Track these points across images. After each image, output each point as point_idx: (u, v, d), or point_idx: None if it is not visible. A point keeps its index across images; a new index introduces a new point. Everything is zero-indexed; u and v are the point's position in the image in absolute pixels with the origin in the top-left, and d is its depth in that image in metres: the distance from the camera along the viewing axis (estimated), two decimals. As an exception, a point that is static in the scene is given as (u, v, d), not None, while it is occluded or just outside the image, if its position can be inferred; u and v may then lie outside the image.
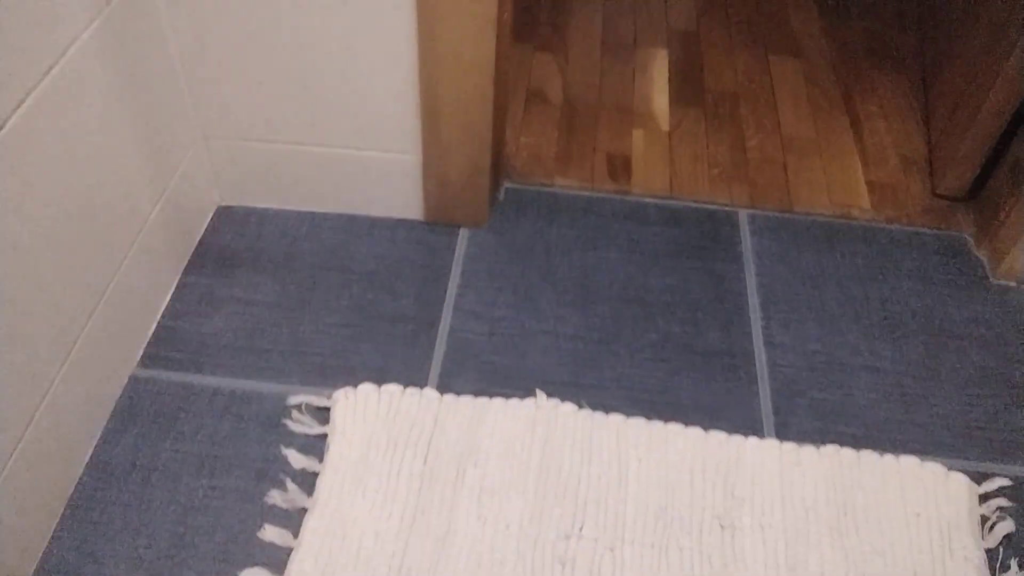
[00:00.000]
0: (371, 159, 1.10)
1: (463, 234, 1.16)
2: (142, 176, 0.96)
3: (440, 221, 1.17)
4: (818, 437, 0.95)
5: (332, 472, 0.88)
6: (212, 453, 0.90)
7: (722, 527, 0.86)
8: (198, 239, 1.13)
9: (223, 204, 1.18)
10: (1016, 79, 1.13)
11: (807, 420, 0.97)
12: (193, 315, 1.04)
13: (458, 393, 0.96)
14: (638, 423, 0.94)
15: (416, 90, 1.01)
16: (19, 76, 0.72)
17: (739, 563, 0.84)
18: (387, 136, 1.07)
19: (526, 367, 1.00)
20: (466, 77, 0.99)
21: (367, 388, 0.96)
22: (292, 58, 1.00)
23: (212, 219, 1.16)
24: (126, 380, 0.96)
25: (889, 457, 0.93)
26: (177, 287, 1.07)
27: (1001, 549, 0.87)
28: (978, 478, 0.92)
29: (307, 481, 0.88)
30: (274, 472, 0.89)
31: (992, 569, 0.86)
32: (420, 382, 0.98)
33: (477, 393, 0.96)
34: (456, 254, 1.13)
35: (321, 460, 0.90)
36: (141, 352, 0.99)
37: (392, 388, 0.96)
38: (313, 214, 1.17)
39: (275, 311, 1.05)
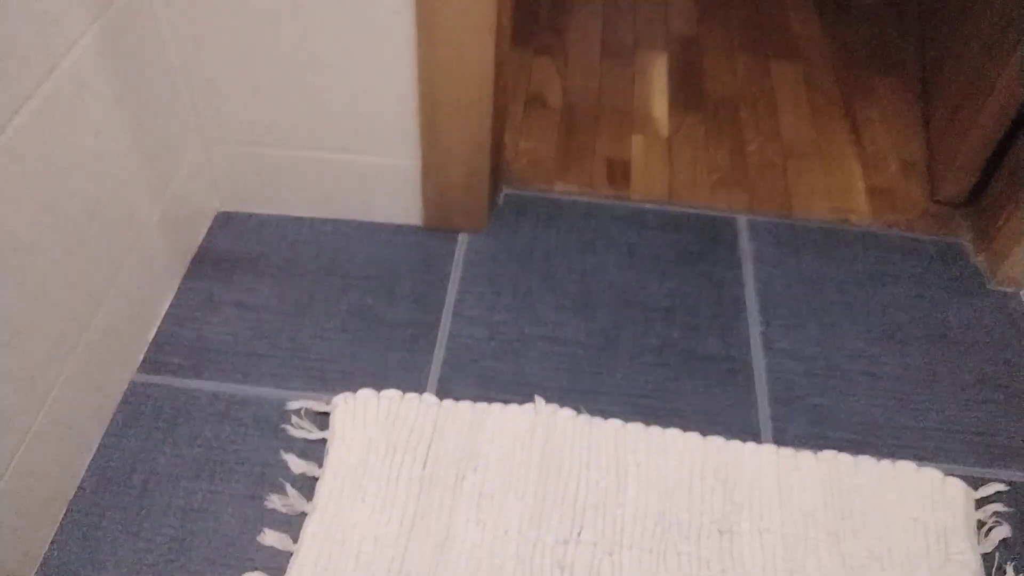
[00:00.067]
0: (370, 164, 1.11)
1: (462, 239, 1.17)
2: (142, 181, 0.96)
3: (439, 226, 1.17)
4: (816, 442, 0.96)
5: (331, 477, 0.88)
6: (212, 458, 0.91)
7: (720, 532, 0.86)
8: (198, 244, 1.13)
9: (223, 209, 1.18)
10: (1015, 85, 1.13)
11: (805, 425, 0.97)
12: (193, 320, 1.04)
13: (457, 398, 0.96)
14: (637, 428, 0.94)
15: (415, 96, 1.02)
16: (18, 81, 0.72)
17: (737, 568, 0.84)
18: (386, 141, 1.08)
19: (525, 372, 1.01)
20: (465, 83, 0.99)
21: (366, 393, 0.96)
22: (292, 64, 1.00)
23: (212, 224, 1.16)
24: (126, 385, 0.97)
25: (886, 462, 0.93)
26: (177, 292, 1.07)
27: (997, 554, 0.87)
28: (975, 483, 0.92)
29: (307, 486, 0.89)
30: (274, 477, 0.90)
31: (988, 574, 0.86)
32: (419, 387, 0.98)
33: (476, 398, 0.96)
34: (455, 259, 1.14)
35: (321, 465, 0.90)
36: (141, 357, 1.00)
37: (391, 393, 0.96)
38: (313, 219, 1.18)
39: (275, 316, 1.05)
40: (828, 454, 0.93)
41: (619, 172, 1.30)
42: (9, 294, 0.74)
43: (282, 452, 0.91)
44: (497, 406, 0.95)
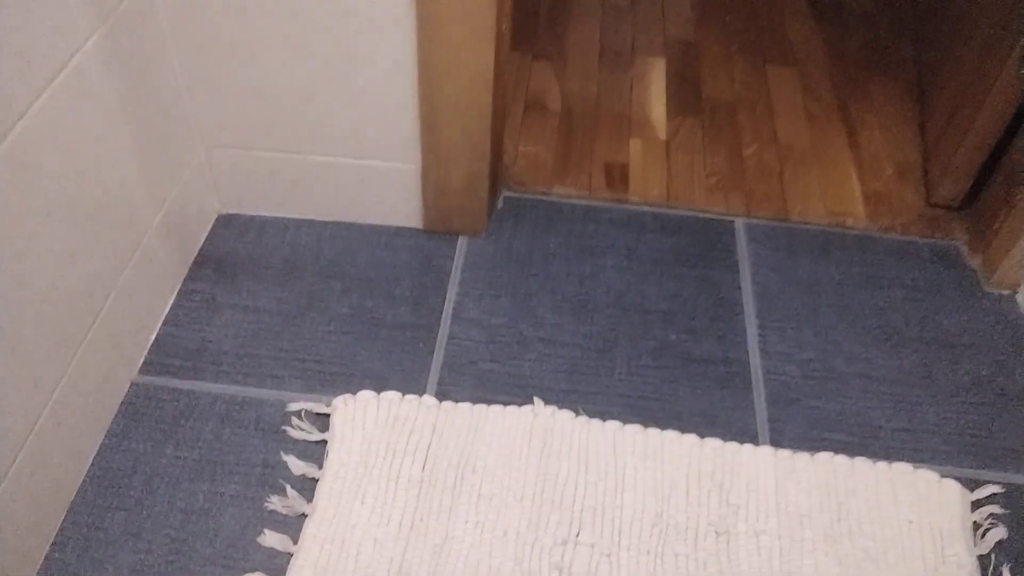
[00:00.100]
0: (371, 168, 1.11)
1: (462, 242, 1.17)
2: (144, 184, 0.97)
3: (439, 229, 1.18)
4: (812, 444, 0.96)
5: (331, 478, 0.89)
6: (213, 459, 0.91)
7: (717, 534, 0.87)
8: (199, 247, 1.14)
9: (224, 212, 1.19)
10: (1011, 89, 1.14)
11: (802, 427, 0.98)
12: (194, 322, 1.05)
13: (456, 400, 0.97)
14: (635, 430, 0.95)
15: (415, 100, 1.02)
16: (23, 86, 0.73)
17: (734, 569, 0.85)
18: (387, 145, 1.08)
19: (524, 374, 1.01)
20: (465, 87, 1.00)
21: (366, 395, 0.97)
22: (293, 68, 1.01)
23: (213, 227, 1.17)
24: (127, 386, 0.97)
25: (883, 464, 0.94)
26: (178, 294, 1.08)
27: (993, 556, 0.88)
28: (970, 485, 0.93)
29: (307, 487, 0.89)
30: (274, 478, 0.90)
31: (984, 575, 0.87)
32: (419, 389, 0.99)
33: (475, 400, 0.97)
34: (455, 262, 1.14)
35: (321, 466, 0.91)
36: (142, 359, 1.00)
37: (391, 395, 0.97)
38: (313, 222, 1.18)
39: (275, 318, 1.06)
40: (825, 456, 0.94)
41: (617, 175, 1.31)
42: (12, 296, 0.74)
43: (282, 453, 0.92)
44: (496, 408, 0.96)
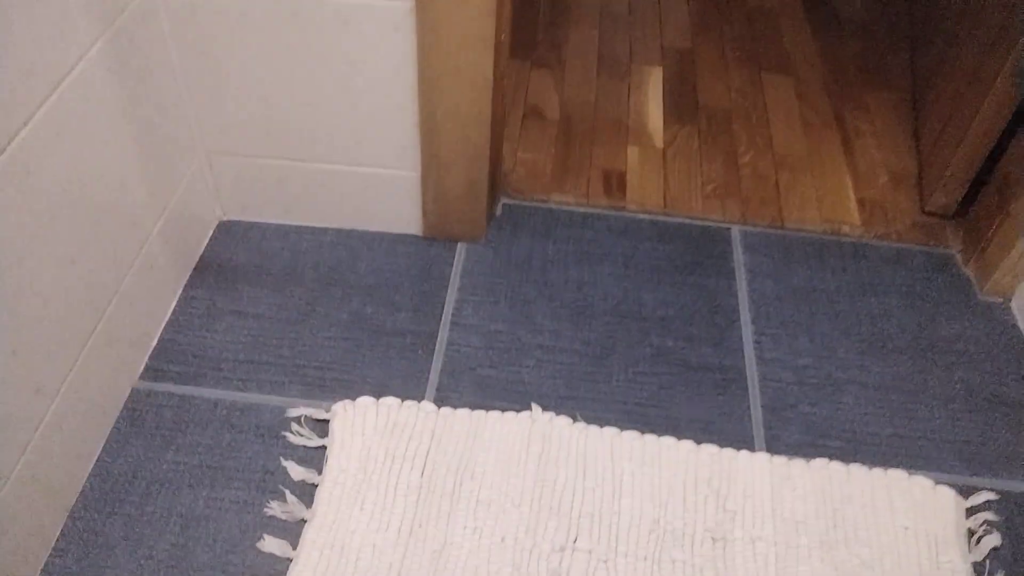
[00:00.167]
0: (371, 175, 1.12)
1: (461, 249, 1.18)
2: (145, 191, 0.97)
3: (438, 236, 1.19)
4: (808, 451, 0.97)
5: (331, 484, 0.89)
6: (212, 465, 0.92)
7: (714, 540, 0.88)
8: (200, 253, 1.15)
9: (225, 219, 1.20)
10: (1004, 99, 1.15)
11: (797, 434, 0.99)
12: (195, 328, 1.05)
13: (455, 406, 0.97)
14: (632, 436, 0.96)
15: (415, 108, 1.03)
16: (27, 93, 0.74)
17: (731, 575, 0.85)
18: (387, 153, 1.09)
19: (522, 380, 1.02)
20: (464, 95, 1.01)
21: (366, 401, 0.97)
22: (294, 76, 1.01)
23: (214, 233, 1.18)
24: (128, 392, 0.98)
25: (878, 471, 0.94)
26: (179, 301, 1.08)
27: (987, 562, 0.89)
28: (965, 492, 0.94)
29: (306, 493, 0.90)
30: (274, 484, 0.91)
31: (978, 582, 0.87)
32: (418, 395, 0.99)
33: (474, 406, 0.98)
34: (454, 269, 1.15)
35: (320, 472, 0.91)
36: (143, 365, 1.01)
37: (390, 401, 0.97)
38: (313, 229, 1.19)
39: (275, 325, 1.06)
40: (820, 463, 0.95)
41: (615, 183, 1.32)
42: (13, 301, 0.75)
43: (282, 459, 0.92)
44: (494, 414, 0.96)
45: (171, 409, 0.96)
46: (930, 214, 1.29)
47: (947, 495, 0.93)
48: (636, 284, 1.15)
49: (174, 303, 1.08)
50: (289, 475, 0.91)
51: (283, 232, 1.18)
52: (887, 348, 1.09)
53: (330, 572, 0.83)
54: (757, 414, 1.01)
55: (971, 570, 0.88)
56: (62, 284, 0.82)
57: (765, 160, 1.38)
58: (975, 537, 0.90)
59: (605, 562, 0.85)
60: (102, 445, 0.93)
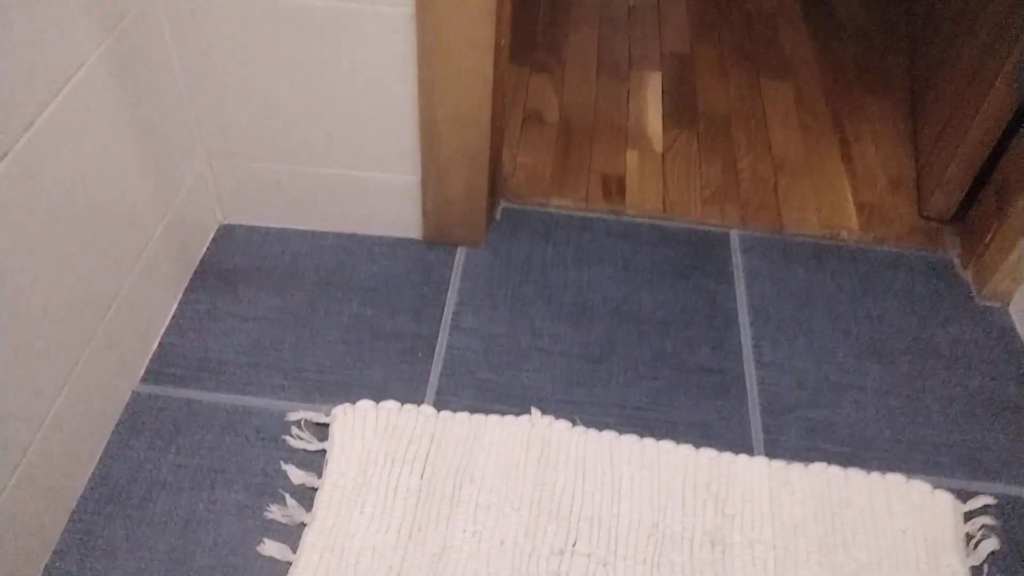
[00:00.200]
0: (371, 179, 1.12)
1: (460, 253, 1.18)
2: (146, 195, 0.98)
3: (438, 240, 1.19)
4: (807, 455, 0.97)
5: (331, 487, 0.90)
6: (213, 468, 0.92)
7: (712, 544, 0.88)
8: (200, 257, 1.15)
9: (225, 222, 1.20)
10: (1002, 104, 1.16)
11: (796, 438, 0.99)
12: (195, 332, 1.06)
13: (455, 410, 0.98)
14: (631, 440, 0.96)
15: (415, 112, 1.04)
16: (29, 98, 0.74)
17: (729, 579, 0.85)
18: (387, 157, 1.10)
19: (521, 384, 1.02)
20: (464, 100, 1.01)
21: (365, 405, 0.97)
22: (295, 80, 1.02)
23: (214, 237, 1.18)
24: (129, 396, 0.98)
25: (876, 475, 0.95)
26: (179, 304, 1.09)
27: (986, 567, 0.89)
28: (963, 496, 0.94)
29: (306, 496, 0.90)
30: (274, 487, 0.91)
31: (976, 585, 0.88)
32: (418, 399, 1.00)
33: (473, 410, 0.98)
34: (453, 272, 1.16)
35: (320, 476, 0.91)
36: (144, 368, 1.01)
37: (390, 405, 0.98)
38: (314, 233, 1.19)
39: (276, 328, 1.07)
40: (819, 467, 0.95)
41: (614, 187, 1.32)
42: (14, 305, 0.75)
43: (282, 463, 0.93)
44: (494, 417, 0.97)
45: (171, 412, 0.97)
46: (928, 218, 1.30)
47: (945, 499, 0.93)
48: (635, 288, 1.15)
49: (175, 306, 1.08)
50: (289, 479, 0.91)
51: (283, 236, 1.19)
52: (885, 352, 1.10)
53: (330, 575, 0.83)
54: (756, 418, 1.01)
55: (969, 574, 0.88)
56: (63, 286, 0.82)
57: (764, 164, 1.39)
58: (973, 541, 0.91)
59: (604, 566, 0.85)
60: (103, 447, 0.93)
